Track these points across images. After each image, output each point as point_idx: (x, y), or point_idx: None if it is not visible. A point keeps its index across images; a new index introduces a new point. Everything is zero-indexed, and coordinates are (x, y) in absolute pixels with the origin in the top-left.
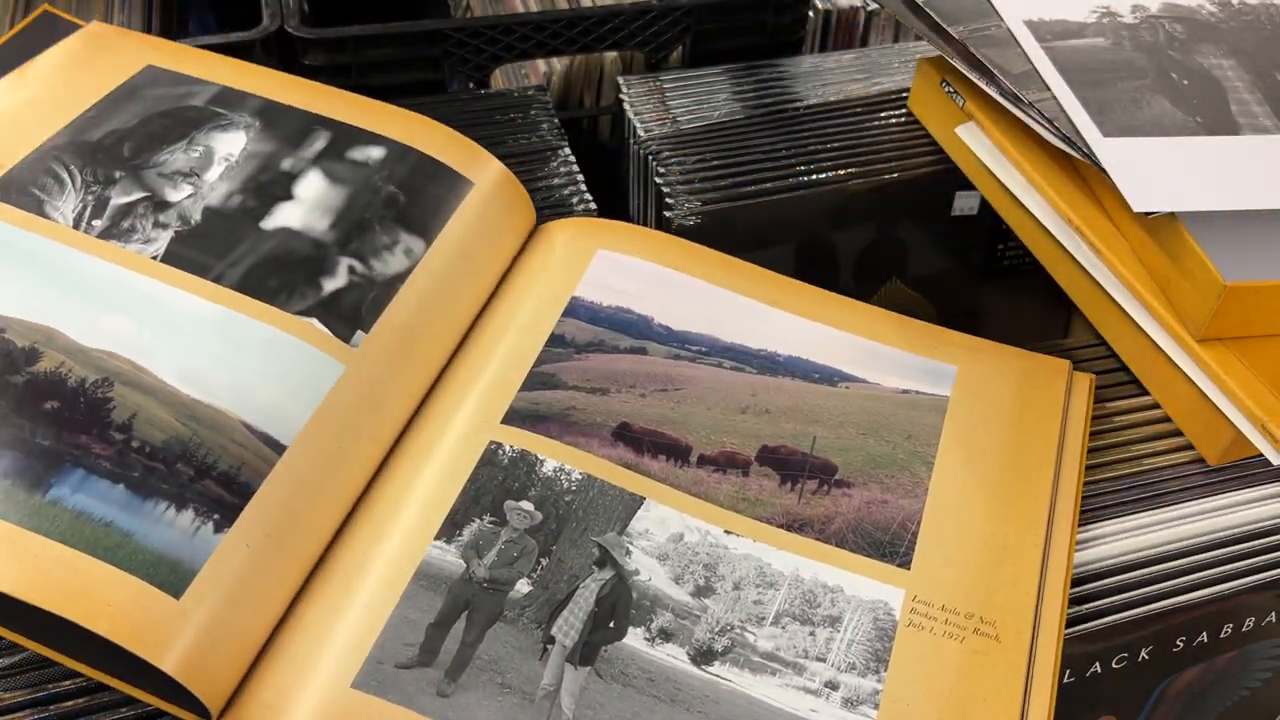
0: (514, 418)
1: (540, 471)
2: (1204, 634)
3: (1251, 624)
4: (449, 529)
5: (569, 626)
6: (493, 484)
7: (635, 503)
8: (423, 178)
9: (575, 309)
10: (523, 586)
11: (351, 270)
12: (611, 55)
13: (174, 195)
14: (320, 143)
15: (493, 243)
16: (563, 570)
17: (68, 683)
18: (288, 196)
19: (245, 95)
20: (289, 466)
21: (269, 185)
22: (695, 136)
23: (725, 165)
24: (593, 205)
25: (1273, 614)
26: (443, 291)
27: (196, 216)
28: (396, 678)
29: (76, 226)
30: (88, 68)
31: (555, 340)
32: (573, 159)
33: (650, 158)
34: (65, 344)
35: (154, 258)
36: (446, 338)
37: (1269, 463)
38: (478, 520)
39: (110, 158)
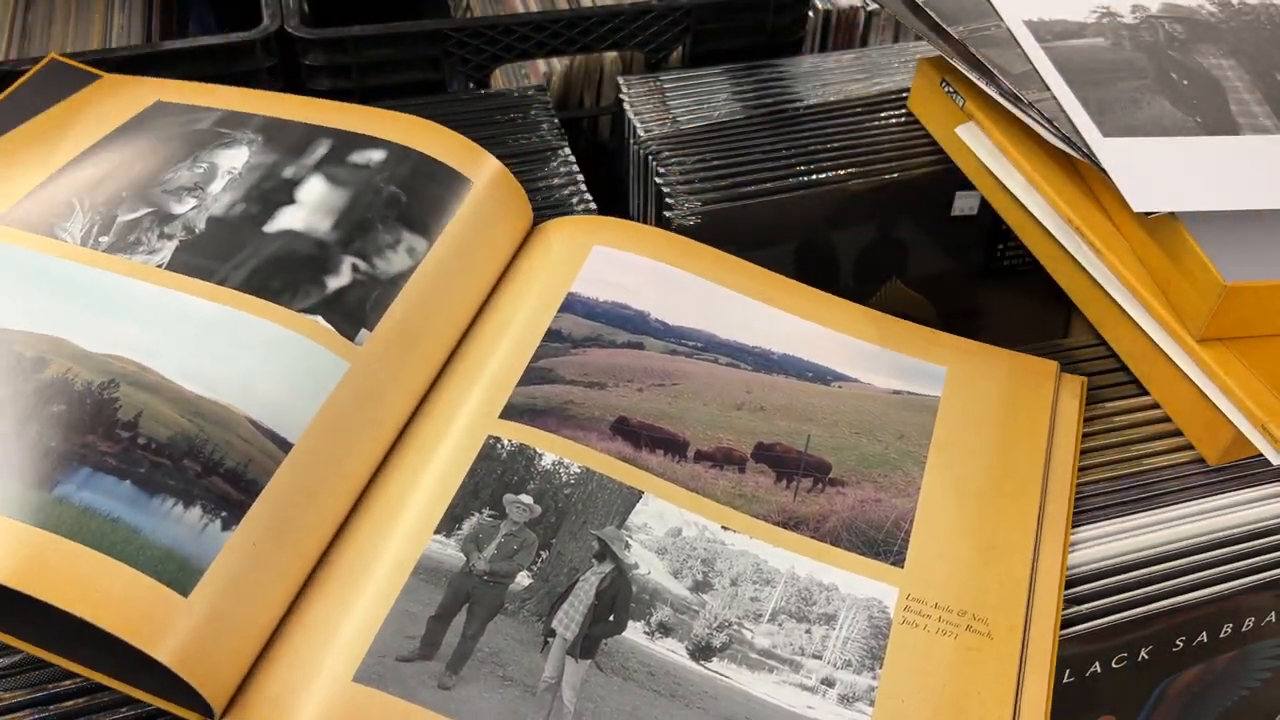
0: (512, 412)
1: (539, 465)
2: (1204, 634)
3: (1251, 624)
4: (448, 523)
5: (569, 619)
6: (491, 478)
7: (634, 496)
8: (423, 177)
9: (572, 304)
10: (523, 579)
11: (355, 269)
12: (611, 55)
13: (178, 209)
14: (321, 150)
15: (492, 241)
16: (562, 563)
17: (68, 683)
18: (290, 201)
19: (248, 116)
20: (295, 464)
21: (272, 192)
22: (695, 136)
23: (725, 165)
24: (593, 205)
25: (1273, 614)
26: (444, 289)
27: (201, 226)
28: (398, 671)
29: (84, 244)
30: (99, 109)
31: (552, 335)
32: (573, 159)
33: (650, 158)
34: (71, 351)
35: (159, 266)
36: (447, 335)
37: (1269, 463)
38: (477, 514)
39: (117, 180)
